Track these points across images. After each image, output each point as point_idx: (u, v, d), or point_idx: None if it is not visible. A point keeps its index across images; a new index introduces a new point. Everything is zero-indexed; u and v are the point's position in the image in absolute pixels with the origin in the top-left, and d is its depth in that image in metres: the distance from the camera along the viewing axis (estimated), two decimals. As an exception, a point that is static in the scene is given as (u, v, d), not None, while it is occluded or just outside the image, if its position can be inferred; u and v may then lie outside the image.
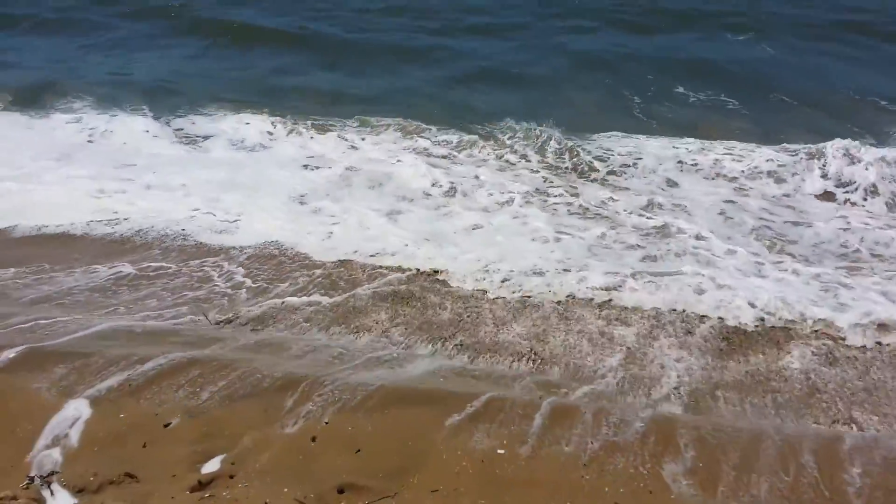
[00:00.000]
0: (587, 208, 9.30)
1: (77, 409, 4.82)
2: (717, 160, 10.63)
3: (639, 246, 8.26)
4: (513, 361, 6.24)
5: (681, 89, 13.66)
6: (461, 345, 6.46)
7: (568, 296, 7.25)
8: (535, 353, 6.34)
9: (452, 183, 10.06)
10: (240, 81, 14.65)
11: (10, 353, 5.53)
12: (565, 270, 7.66)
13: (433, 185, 9.97)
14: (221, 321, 6.70)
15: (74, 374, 5.29)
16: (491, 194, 9.69)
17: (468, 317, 6.96)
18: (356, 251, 8.12)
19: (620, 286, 7.32)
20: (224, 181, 10.10)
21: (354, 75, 15.04)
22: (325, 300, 7.27)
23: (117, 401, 4.96)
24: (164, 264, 8.08)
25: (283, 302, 7.21)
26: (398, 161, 10.71)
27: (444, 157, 11.04)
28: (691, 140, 11.22)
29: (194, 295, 7.39)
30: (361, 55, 16.07)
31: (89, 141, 11.74)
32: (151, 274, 7.84)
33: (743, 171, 10.28)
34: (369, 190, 10.01)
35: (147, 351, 5.70)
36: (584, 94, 13.54)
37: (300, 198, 9.61)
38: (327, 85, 14.48)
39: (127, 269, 7.96)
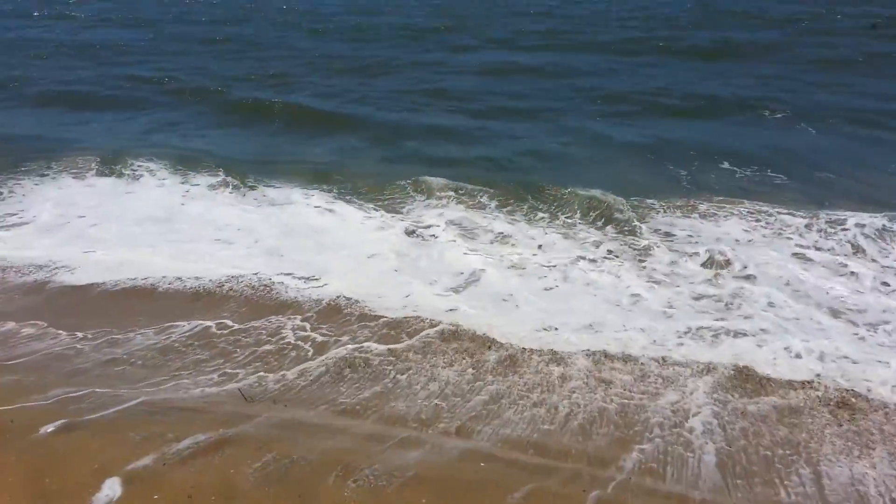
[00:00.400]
0: (652, 275, 9.23)
1: (111, 489, 4.76)
2: (776, 231, 10.49)
3: (707, 311, 8.31)
4: (559, 438, 5.93)
5: (726, 165, 13.58)
6: (503, 425, 6.22)
7: (626, 353, 7.30)
8: (579, 426, 6.10)
9: (519, 248, 10.14)
10: (295, 156, 15.01)
11: (49, 428, 5.56)
12: (625, 329, 7.84)
13: (502, 252, 10.05)
14: (256, 398, 6.63)
15: (111, 449, 5.25)
16: (555, 259, 9.72)
17: (517, 385, 6.80)
18: (428, 308, 8.37)
19: (681, 344, 7.51)
20: (304, 245, 10.44)
21: (404, 152, 15.28)
22: (377, 347, 7.53)
23: (151, 480, 4.88)
24: (230, 321, 8.24)
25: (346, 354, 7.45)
26: (464, 227, 10.94)
27: (509, 224, 11.10)
28: (745, 210, 11.17)
29: (264, 349, 7.52)
30: (406, 135, 16.37)
31: (182, 205, 12.26)
32: (219, 333, 7.99)
33: (804, 243, 10.07)
34: (440, 252, 10.11)
35: (184, 427, 5.67)
36: (632, 170, 13.47)
37: (374, 259, 9.91)
38: (381, 160, 14.74)
39: (205, 323, 8.15)
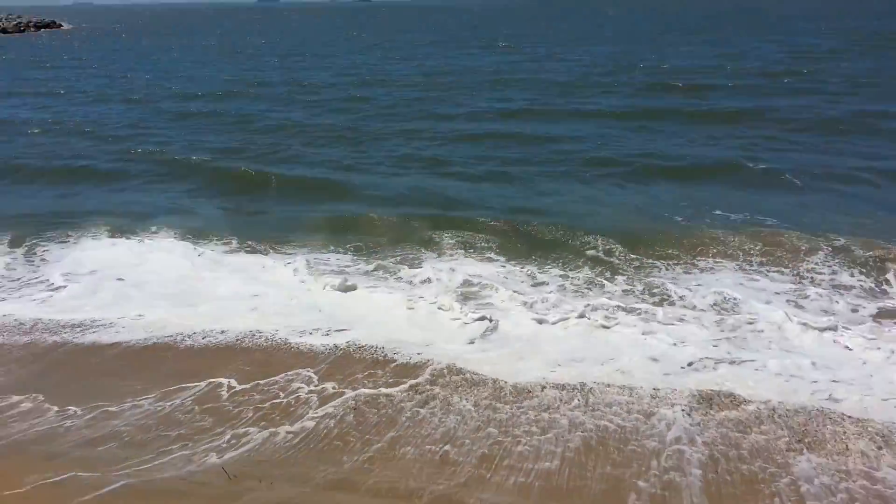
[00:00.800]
0: (661, 321, 10.11)
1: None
2: (770, 280, 11.48)
3: (712, 346, 9.29)
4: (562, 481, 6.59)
5: (718, 212, 14.88)
6: (510, 472, 6.79)
7: (629, 384, 8.24)
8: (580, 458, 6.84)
9: (532, 300, 10.92)
10: (299, 222, 15.76)
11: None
12: (634, 361, 8.83)
13: (515, 303, 10.84)
14: (241, 476, 6.73)
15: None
16: (568, 310, 10.54)
17: (525, 420, 7.54)
18: (443, 355, 9.17)
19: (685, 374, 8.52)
20: (320, 302, 11.25)
21: (404, 214, 15.88)
22: (388, 391, 8.24)
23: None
24: (236, 381, 8.68)
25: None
26: (476, 281, 11.73)
27: (519, 278, 11.99)
28: (737, 265, 12.17)
29: (269, 406, 8.08)
30: (404, 198, 17.22)
31: (200, 268, 13.02)
32: (224, 394, 8.41)
33: (793, 289, 11.02)
34: (454, 305, 10.85)
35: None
36: (629, 228, 14.28)
37: (389, 313, 10.75)
38: (384, 222, 15.45)
39: (216, 380, 8.71)
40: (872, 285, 11.17)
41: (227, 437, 7.52)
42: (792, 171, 17.97)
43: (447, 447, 7.15)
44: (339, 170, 20.97)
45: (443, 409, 7.87)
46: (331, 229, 15.01)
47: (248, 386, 8.60)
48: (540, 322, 10.16)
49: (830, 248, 12.43)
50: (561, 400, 7.92)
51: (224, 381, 8.73)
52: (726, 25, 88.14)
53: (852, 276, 11.44)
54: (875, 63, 41.22)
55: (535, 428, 7.43)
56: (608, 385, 8.19)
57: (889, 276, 11.36)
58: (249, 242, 14.29)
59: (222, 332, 10.08)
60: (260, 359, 9.33)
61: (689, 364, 8.71)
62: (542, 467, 6.79)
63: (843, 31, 69.88)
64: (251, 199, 18.19)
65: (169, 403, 8.25)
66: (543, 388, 8.21)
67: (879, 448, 6.88)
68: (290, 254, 13.72)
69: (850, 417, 7.43)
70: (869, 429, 7.19)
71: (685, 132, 24.21)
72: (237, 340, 9.84)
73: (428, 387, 8.36)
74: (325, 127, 27.53)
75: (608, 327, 9.90)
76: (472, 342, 9.71)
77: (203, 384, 8.71)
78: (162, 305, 11.21)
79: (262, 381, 8.67)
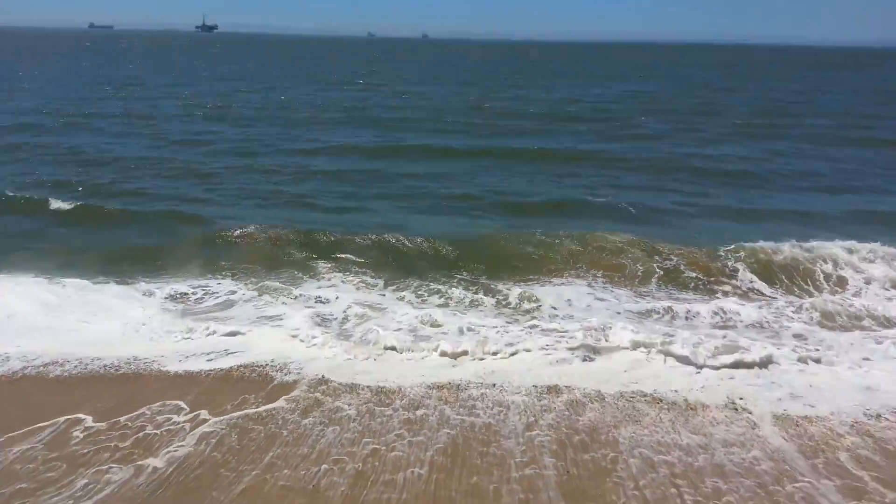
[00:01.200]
0: (532, 326, 11.72)
1: None
2: (610, 291, 13.66)
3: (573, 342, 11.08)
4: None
5: (567, 237, 16.60)
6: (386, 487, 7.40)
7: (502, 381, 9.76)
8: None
9: (411, 318, 11.99)
10: (163, 255, 15.63)
11: None
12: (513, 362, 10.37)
13: (410, 328, 11.73)
14: None
15: None
16: (446, 326, 11.75)
17: (398, 421, 8.40)
18: (322, 370, 9.94)
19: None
20: (200, 327, 11.54)
21: (267, 244, 16.27)
22: (270, 407, 8.69)
23: None
24: (92, 420, 8.28)
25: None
26: (359, 303, 12.60)
27: (399, 301, 13.09)
28: (585, 282, 14.29)
29: (138, 438, 7.93)
30: (265, 229, 17.08)
31: (66, 298, 12.78)
32: (76, 434, 7.99)
33: (628, 303, 12.99)
34: (340, 325, 11.69)
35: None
36: (488, 255, 15.77)
37: (271, 334, 11.34)
38: (249, 250, 15.87)
39: (73, 416, 8.33)
40: (703, 298, 13.54)
41: (80, 485, 7.05)
42: (628, 203, 20.25)
43: (323, 466, 7.50)
44: (192, 203, 20.81)
45: (321, 422, 8.45)
46: (204, 258, 15.24)
47: (106, 424, 8.16)
48: (421, 338, 11.19)
49: (662, 272, 14.78)
50: (433, 397, 9.15)
51: (84, 416, 8.38)
52: (572, 71, 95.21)
53: (687, 295, 13.76)
54: (692, 107, 46.77)
55: (405, 431, 8.31)
56: (474, 383, 9.66)
57: (718, 295, 13.78)
58: (117, 275, 14.18)
59: (96, 359, 10.07)
60: (131, 389, 9.24)
61: (551, 364, 10.33)
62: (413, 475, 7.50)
63: (675, 79, 77.97)
64: (105, 234, 17.70)
65: (14, 451, 7.63)
66: (418, 386, 9.45)
67: (686, 420, 8.80)
68: (163, 284, 13.85)
69: (664, 400, 9.28)
70: (678, 407, 9.10)
71: (532, 171, 26.22)
72: (111, 368, 9.82)
73: (309, 395, 9.09)
74: (170, 161, 26.95)
75: (482, 341, 11.02)
76: (359, 358, 10.50)
77: (61, 420, 8.28)
78: (31, 337, 10.96)
79: (123, 417, 8.35)
